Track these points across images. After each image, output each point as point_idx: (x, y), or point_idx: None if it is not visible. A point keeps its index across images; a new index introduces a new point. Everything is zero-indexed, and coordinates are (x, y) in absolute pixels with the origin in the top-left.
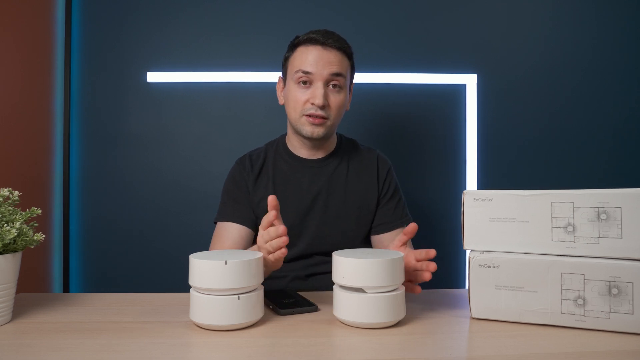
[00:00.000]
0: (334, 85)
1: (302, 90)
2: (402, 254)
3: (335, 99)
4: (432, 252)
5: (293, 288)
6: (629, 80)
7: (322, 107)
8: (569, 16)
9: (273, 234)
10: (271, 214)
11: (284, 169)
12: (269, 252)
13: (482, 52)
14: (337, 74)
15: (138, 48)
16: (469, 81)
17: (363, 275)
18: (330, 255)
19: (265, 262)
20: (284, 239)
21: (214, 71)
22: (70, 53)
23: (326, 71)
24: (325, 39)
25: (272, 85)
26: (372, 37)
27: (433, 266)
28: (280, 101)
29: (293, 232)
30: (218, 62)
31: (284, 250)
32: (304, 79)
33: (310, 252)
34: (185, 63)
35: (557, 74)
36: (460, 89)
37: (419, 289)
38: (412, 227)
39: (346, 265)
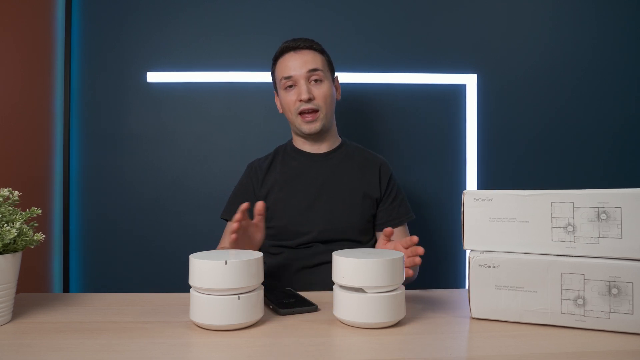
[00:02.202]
0: (315, 80)
1: (290, 93)
2: (402, 253)
3: (319, 90)
4: (415, 238)
5: (299, 277)
6: (629, 80)
7: (309, 100)
8: (569, 16)
9: (237, 217)
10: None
11: (291, 164)
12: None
13: (482, 52)
14: (314, 70)
15: (138, 48)
16: (469, 81)
17: (363, 275)
18: (336, 244)
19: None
20: (235, 226)
21: (214, 71)
22: (70, 53)
23: (303, 70)
24: (295, 43)
25: (272, 85)
26: (372, 37)
27: (421, 250)
28: (280, 111)
29: (299, 221)
30: (218, 62)
31: (233, 236)
32: (288, 83)
33: (318, 240)
34: (185, 63)
35: (557, 74)
36: (460, 89)
37: (418, 259)
38: (389, 231)
39: (346, 265)
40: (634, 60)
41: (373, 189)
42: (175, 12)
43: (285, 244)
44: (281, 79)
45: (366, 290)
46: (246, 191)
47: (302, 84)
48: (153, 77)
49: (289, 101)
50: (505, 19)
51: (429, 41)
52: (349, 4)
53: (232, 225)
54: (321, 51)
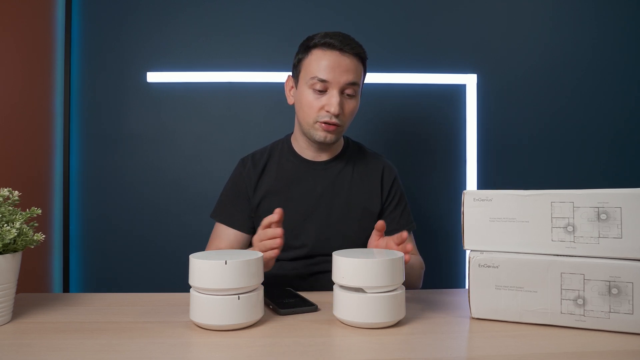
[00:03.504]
0: (349, 93)
1: (317, 96)
2: (402, 254)
3: (349, 106)
4: (405, 234)
5: (294, 286)
6: (629, 80)
7: (337, 115)
8: (569, 16)
9: (270, 233)
10: (275, 215)
11: (288, 169)
12: (261, 251)
13: (482, 52)
14: (353, 83)
15: (138, 48)
16: (469, 81)
17: (363, 275)
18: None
19: None
20: (278, 241)
21: (214, 71)
22: (70, 53)
23: (342, 79)
24: (342, 45)
25: (272, 85)
26: (372, 37)
27: (410, 246)
28: (290, 101)
29: (295, 233)
30: (218, 62)
31: (276, 252)
32: (318, 86)
33: (312, 253)
34: (185, 63)
35: (557, 74)
36: (460, 89)
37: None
38: (381, 224)
39: (346, 266)
40: (634, 60)
41: (374, 202)
42: (175, 12)
43: (279, 256)
44: (313, 77)
45: (366, 290)
46: (239, 193)
47: (335, 94)
48: (153, 77)
49: (312, 105)
50: (505, 19)
51: (429, 41)
52: (349, 4)
53: (276, 240)
54: (364, 61)
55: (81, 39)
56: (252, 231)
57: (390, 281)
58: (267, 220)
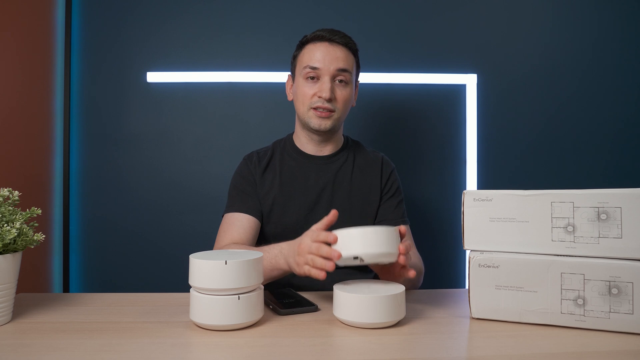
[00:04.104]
0: (340, 80)
1: (310, 84)
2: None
3: (342, 93)
4: (403, 228)
5: (296, 281)
6: (629, 80)
7: (329, 100)
8: (569, 16)
9: (325, 252)
10: (332, 236)
11: (291, 165)
12: (306, 263)
13: (482, 52)
14: (343, 70)
15: (138, 48)
16: (469, 81)
17: (360, 242)
18: None
19: (288, 266)
20: (332, 265)
21: (214, 71)
22: (70, 53)
23: (333, 66)
24: (331, 35)
25: (272, 85)
26: (372, 37)
27: (403, 248)
28: (289, 97)
29: (298, 227)
30: (218, 62)
31: (323, 274)
32: (311, 74)
33: None
34: (185, 63)
35: (557, 75)
36: (460, 89)
37: (412, 272)
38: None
39: (346, 235)
40: (634, 60)
41: (374, 195)
42: (175, 12)
43: None
44: (305, 67)
45: (364, 259)
46: (248, 182)
47: (327, 80)
48: (153, 77)
49: (306, 93)
50: (505, 19)
51: (429, 41)
52: (349, 4)
53: (330, 264)
54: (355, 52)
55: (81, 39)
56: (262, 219)
57: (390, 248)
58: (323, 235)
